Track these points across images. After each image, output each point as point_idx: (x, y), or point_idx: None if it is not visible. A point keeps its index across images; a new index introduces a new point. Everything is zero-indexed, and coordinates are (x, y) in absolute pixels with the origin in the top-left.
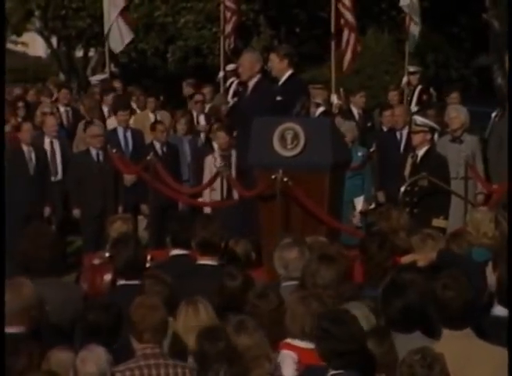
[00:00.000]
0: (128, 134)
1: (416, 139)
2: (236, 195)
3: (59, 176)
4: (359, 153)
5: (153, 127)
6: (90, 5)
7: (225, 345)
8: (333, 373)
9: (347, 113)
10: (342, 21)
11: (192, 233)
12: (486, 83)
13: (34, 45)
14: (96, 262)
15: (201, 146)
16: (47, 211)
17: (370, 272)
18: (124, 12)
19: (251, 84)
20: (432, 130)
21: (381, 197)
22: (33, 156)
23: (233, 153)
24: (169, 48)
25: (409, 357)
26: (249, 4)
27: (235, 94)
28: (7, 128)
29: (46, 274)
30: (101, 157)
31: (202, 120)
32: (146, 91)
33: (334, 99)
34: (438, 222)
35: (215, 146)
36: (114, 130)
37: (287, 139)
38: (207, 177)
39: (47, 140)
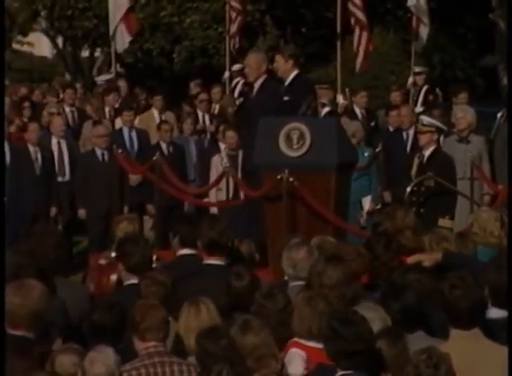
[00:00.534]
0: (133, 134)
1: (423, 139)
2: (242, 195)
3: (67, 177)
4: (366, 154)
5: (159, 127)
6: (96, 5)
7: (227, 343)
8: (341, 373)
9: (352, 114)
10: (353, 20)
11: (199, 232)
12: (492, 83)
13: (39, 45)
14: (103, 262)
15: (207, 147)
16: (53, 211)
17: (376, 273)
18: (127, 14)
19: (257, 84)
20: (439, 130)
21: (387, 197)
22: (39, 156)
23: (240, 153)
24: (175, 48)
25: (414, 357)
26: (255, 4)
27: (240, 94)
28: (12, 128)
29: (53, 274)
30: (106, 157)
31: (207, 119)
32: (151, 91)
33: (340, 99)
34: (443, 222)
35: (222, 146)
36: (120, 130)
37: (293, 139)
38: (213, 177)
39: (54, 140)
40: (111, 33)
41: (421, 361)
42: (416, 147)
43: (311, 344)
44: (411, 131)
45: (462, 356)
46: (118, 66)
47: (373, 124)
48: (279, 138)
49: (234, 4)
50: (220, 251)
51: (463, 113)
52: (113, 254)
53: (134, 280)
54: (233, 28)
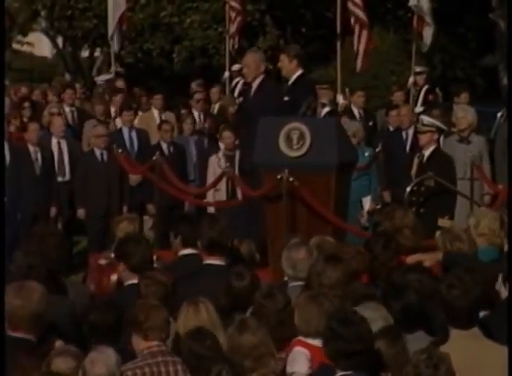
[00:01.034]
0: (133, 134)
1: (423, 139)
2: (240, 195)
3: (67, 177)
4: (366, 154)
5: (159, 126)
6: (96, 5)
7: (212, 343)
8: (341, 374)
9: (351, 114)
10: (352, 19)
11: (199, 232)
12: (492, 83)
13: (39, 45)
14: (103, 262)
15: (207, 147)
16: (53, 211)
17: (375, 272)
18: (123, 16)
19: (255, 84)
20: (439, 130)
21: (387, 196)
22: (39, 156)
23: (237, 153)
24: (175, 48)
25: (414, 357)
26: (255, 4)
27: (240, 94)
28: (11, 128)
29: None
30: (105, 157)
31: (203, 119)
32: (151, 91)
33: (340, 99)
34: (443, 221)
35: (221, 146)
36: (119, 130)
37: (293, 139)
38: (210, 177)
39: (54, 141)
40: (110, 33)
41: (421, 361)
42: (416, 147)
43: (316, 342)
44: (411, 131)
45: (462, 356)
46: (118, 66)
47: (370, 123)
48: (279, 138)
49: (234, 4)
50: (220, 251)
51: (464, 113)
52: (113, 255)
53: (134, 280)
54: (232, 28)
